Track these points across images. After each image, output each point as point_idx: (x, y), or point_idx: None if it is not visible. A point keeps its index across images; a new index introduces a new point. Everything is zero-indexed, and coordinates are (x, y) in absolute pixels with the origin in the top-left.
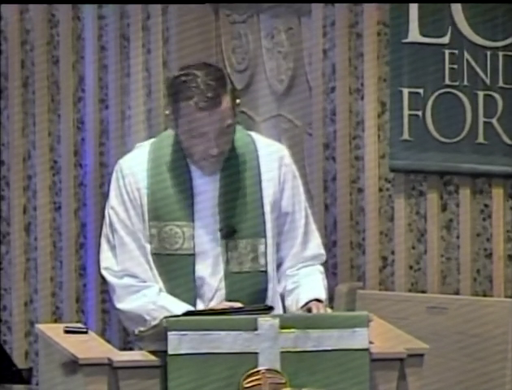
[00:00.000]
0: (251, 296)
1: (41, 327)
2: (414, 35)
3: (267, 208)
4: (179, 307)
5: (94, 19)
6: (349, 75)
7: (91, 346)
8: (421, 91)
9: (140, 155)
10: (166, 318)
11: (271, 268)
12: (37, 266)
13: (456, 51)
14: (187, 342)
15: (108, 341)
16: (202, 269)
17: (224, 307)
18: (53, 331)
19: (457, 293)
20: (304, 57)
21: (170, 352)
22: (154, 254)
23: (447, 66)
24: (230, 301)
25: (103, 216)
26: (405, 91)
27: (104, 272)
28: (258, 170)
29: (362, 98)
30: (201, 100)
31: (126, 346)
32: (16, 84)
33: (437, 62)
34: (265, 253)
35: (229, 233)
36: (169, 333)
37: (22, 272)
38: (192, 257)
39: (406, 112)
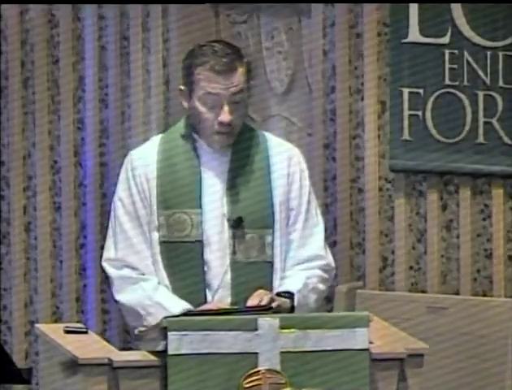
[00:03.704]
0: (256, 287)
1: (41, 327)
2: (414, 35)
3: (277, 201)
4: (175, 304)
5: (94, 20)
6: (349, 75)
7: (91, 346)
8: (421, 91)
9: (150, 147)
10: (166, 318)
11: (277, 260)
12: (37, 266)
13: (456, 51)
14: (187, 342)
15: (108, 341)
16: (210, 256)
17: (223, 307)
18: (53, 331)
19: (457, 293)
20: (304, 57)
21: (170, 352)
22: (162, 242)
23: (447, 66)
24: (235, 290)
25: (103, 216)
26: (405, 91)
27: (104, 264)
28: (268, 166)
29: (362, 98)
30: (217, 63)
31: (126, 346)
32: (16, 84)
33: (437, 62)
34: (272, 245)
35: (237, 222)
36: (169, 333)
37: (22, 272)
38: (200, 243)
39: (406, 112)
